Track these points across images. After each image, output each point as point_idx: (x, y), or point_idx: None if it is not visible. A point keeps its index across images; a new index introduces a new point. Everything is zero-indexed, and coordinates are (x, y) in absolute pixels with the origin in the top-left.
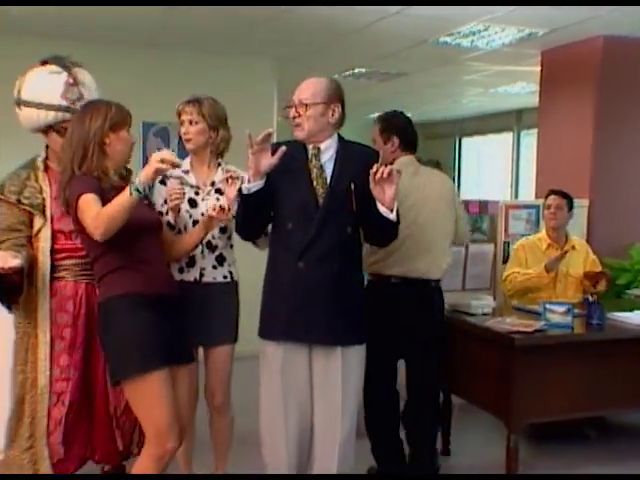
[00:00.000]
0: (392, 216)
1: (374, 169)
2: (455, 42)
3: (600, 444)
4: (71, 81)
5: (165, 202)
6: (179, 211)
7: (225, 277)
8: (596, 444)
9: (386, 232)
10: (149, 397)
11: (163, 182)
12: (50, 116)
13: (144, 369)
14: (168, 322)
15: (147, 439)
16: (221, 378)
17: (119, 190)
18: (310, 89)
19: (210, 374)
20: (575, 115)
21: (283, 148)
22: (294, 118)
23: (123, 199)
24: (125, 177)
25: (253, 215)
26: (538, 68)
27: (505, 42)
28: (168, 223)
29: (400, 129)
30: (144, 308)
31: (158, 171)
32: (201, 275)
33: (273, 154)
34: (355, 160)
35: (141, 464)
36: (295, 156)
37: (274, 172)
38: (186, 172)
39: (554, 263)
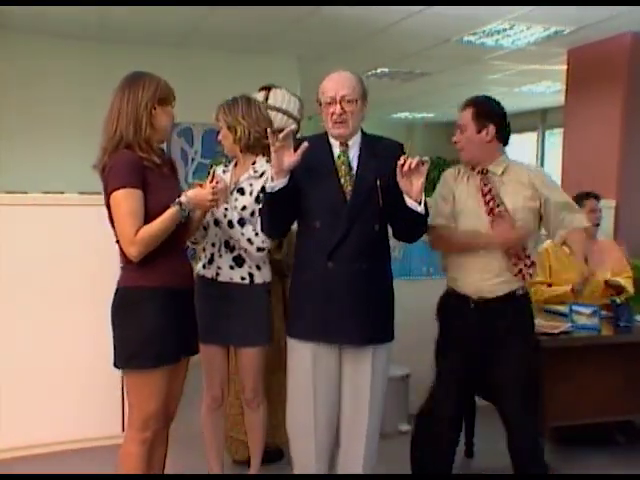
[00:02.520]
0: (420, 208)
1: (401, 160)
2: (479, 41)
3: (628, 450)
4: (300, 105)
5: None
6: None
7: (243, 278)
8: (624, 450)
9: (415, 226)
10: (149, 389)
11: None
12: (289, 122)
13: (157, 364)
14: (186, 316)
15: (131, 423)
16: (247, 376)
17: (162, 166)
18: (349, 84)
19: (240, 371)
20: (602, 114)
21: (305, 144)
22: (339, 115)
23: (171, 222)
24: (161, 157)
25: (279, 213)
26: (564, 67)
27: (530, 41)
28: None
29: (498, 117)
30: (170, 304)
31: (211, 207)
32: (217, 274)
33: (296, 151)
34: (380, 154)
35: (126, 449)
36: (320, 152)
37: (299, 169)
38: (224, 171)
39: (581, 286)
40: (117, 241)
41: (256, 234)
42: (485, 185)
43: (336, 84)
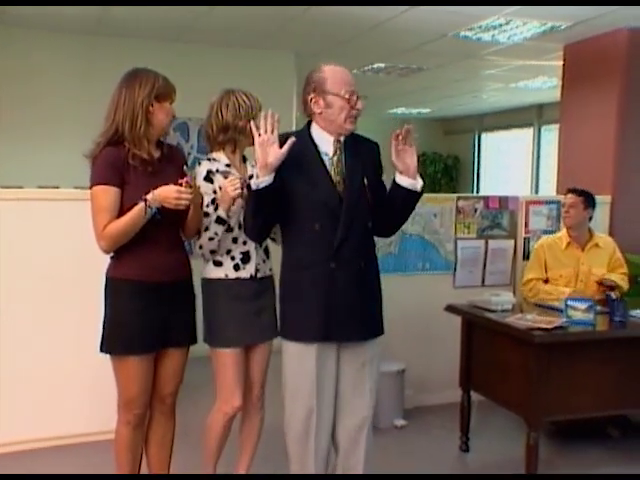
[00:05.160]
0: (419, 184)
1: (396, 133)
2: (476, 36)
3: (622, 444)
4: None
5: (213, 201)
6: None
7: (270, 269)
8: (618, 444)
9: (407, 210)
10: (125, 374)
11: (209, 179)
12: None
13: (124, 352)
14: (162, 308)
15: (118, 405)
16: (261, 373)
17: (153, 163)
18: (352, 79)
19: (252, 368)
20: (598, 110)
21: (293, 139)
22: (360, 111)
23: (137, 217)
24: (164, 153)
25: (263, 214)
26: (560, 62)
27: (527, 36)
28: (218, 219)
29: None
30: (137, 296)
31: (178, 205)
32: (257, 270)
33: (281, 147)
34: (362, 153)
35: (116, 429)
36: (305, 151)
37: (286, 169)
38: (228, 166)
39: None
40: None
41: None
42: None
43: (353, 79)
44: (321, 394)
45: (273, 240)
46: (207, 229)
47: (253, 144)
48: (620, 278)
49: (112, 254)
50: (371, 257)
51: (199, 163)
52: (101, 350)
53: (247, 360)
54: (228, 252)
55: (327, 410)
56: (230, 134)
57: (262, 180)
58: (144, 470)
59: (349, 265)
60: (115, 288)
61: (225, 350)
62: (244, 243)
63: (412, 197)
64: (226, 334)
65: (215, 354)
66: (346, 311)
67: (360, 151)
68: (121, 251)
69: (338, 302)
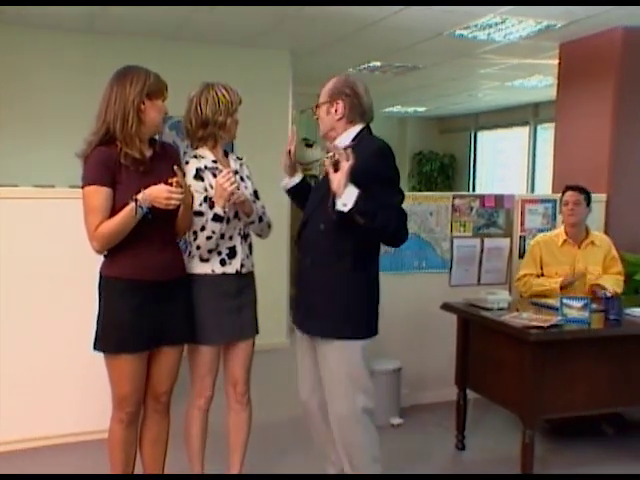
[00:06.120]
0: (338, 205)
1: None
2: (471, 35)
3: (617, 442)
4: None
5: (205, 199)
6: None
7: (253, 265)
8: (613, 442)
9: (361, 229)
10: (118, 372)
11: (199, 177)
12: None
13: (118, 351)
14: (158, 306)
15: (112, 403)
16: (243, 369)
17: (145, 163)
18: (324, 90)
19: (234, 365)
20: (593, 108)
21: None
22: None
23: (128, 217)
24: (157, 151)
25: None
26: (555, 61)
27: (522, 35)
28: (215, 217)
29: None
30: (131, 294)
31: (168, 205)
32: (242, 265)
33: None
34: (357, 157)
35: (110, 427)
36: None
37: None
38: (215, 162)
39: (569, 283)
40: None
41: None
42: None
43: (322, 91)
44: (299, 371)
45: (259, 236)
46: (204, 229)
47: (234, 139)
48: (614, 280)
49: (105, 252)
50: (322, 258)
51: (187, 162)
52: (94, 348)
53: (228, 357)
54: (215, 248)
55: (308, 385)
56: (210, 129)
57: (288, 182)
58: (138, 469)
59: (301, 260)
60: (108, 286)
61: (204, 347)
62: (230, 238)
63: (344, 217)
64: (207, 332)
65: (193, 350)
66: (295, 301)
67: (356, 155)
68: (114, 250)
69: (296, 291)
